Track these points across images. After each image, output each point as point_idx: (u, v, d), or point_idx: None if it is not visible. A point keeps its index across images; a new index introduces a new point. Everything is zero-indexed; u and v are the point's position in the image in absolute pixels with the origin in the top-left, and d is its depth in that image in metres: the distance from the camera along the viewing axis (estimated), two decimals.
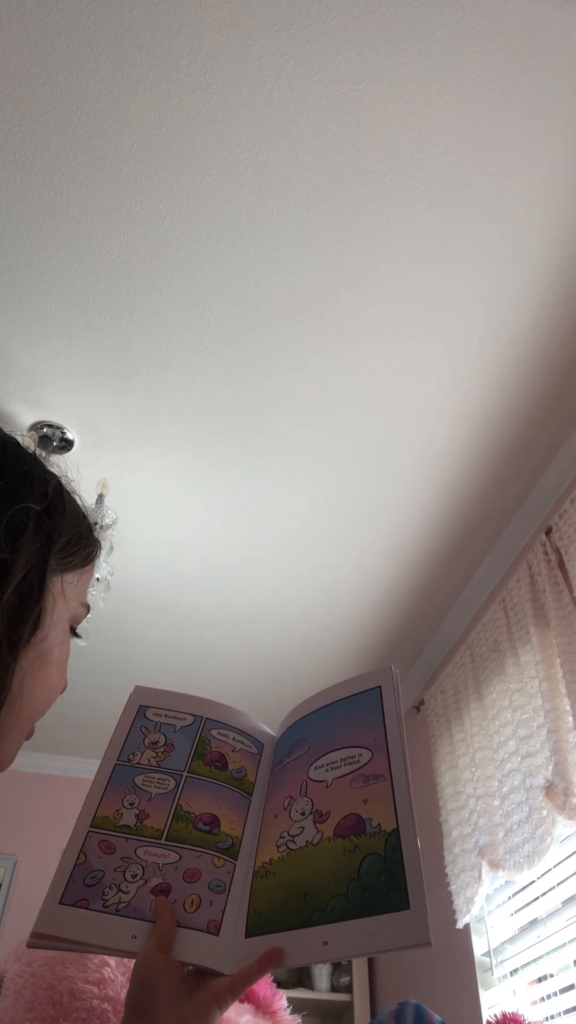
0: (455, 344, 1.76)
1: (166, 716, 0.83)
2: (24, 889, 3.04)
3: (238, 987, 0.62)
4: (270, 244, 1.57)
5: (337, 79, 1.34)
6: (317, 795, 0.71)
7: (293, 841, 0.69)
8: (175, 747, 0.80)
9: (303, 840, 0.68)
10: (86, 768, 3.37)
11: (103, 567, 1.94)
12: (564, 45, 1.30)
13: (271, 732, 0.86)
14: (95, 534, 0.70)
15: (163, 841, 0.71)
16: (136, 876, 0.67)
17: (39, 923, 0.63)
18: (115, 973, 0.84)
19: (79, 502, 0.69)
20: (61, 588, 0.62)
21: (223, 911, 0.66)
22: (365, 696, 0.78)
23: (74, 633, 0.67)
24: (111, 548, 2.01)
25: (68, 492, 0.67)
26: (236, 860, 0.71)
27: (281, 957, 0.61)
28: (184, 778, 0.76)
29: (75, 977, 0.83)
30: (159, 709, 0.84)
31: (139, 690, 0.86)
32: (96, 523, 0.70)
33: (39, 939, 0.63)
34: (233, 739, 0.83)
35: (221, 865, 0.70)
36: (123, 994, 0.83)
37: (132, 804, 0.74)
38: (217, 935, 0.64)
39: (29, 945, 0.63)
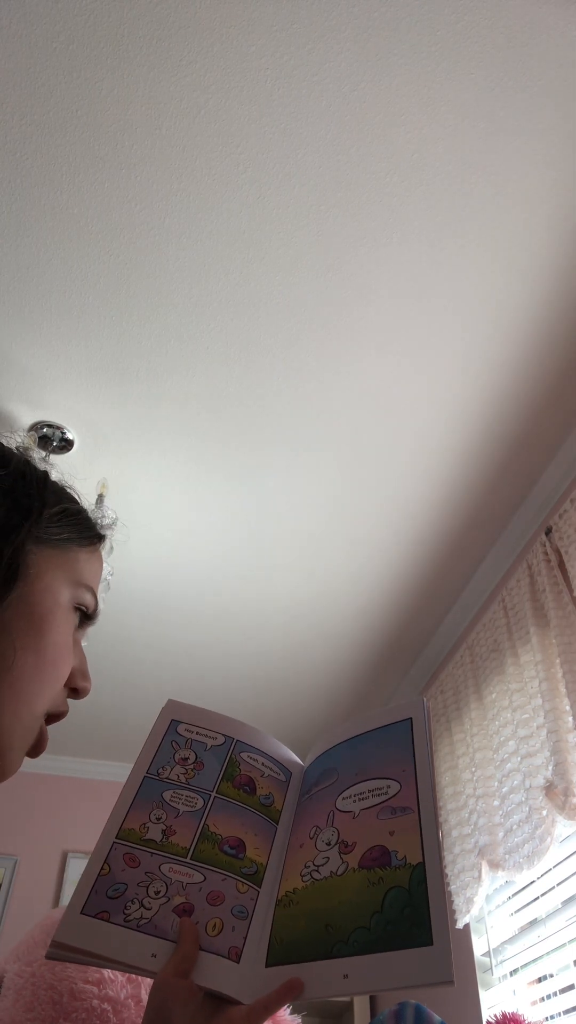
0: (455, 344, 1.76)
1: (197, 733, 0.82)
2: (24, 889, 3.04)
3: (255, 1017, 0.60)
4: (270, 244, 1.57)
5: (337, 79, 1.34)
6: (343, 825, 0.70)
7: (318, 871, 0.68)
8: (205, 766, 0.79)
9: (327, 870, 0.67)
10: (86, 768, 3.37)
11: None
12: (564, 45, 1.30)
13: (300, 761, 0.86)
14: (94, 521, 0.69)
15: (188, 860, 0.70)
16: (159, 893, 0.66)
17: (60, 932, 0.62)
18: (115, 973, 0.84)
19: (68, 489, 0.69)
20: (48, 561, 0.61)
21: (245, 938, 0.65)
22: (396, 727, 0.77)
23: (85, 615, 0.66)
24: (111, 548, 2.00)
25: (52, 479, 0.67)
26: (260, 887, 0.70)
27: (301, 989, 0.60)
28: (212, 798, 0.76)
29: (75, 977, 0.83)
30: (191, 725, 0.83)
31: (172, 704, 0.85)
32: (96, 521, 0.71)
33: (59, 949, 0.62)
34: (262, 764, 0.82)
35: (245, 891, 0.69)
36: (123, 994, 0.83)
37: (159, 819, 0.73)
38: (237, 962, 0.63)
39: (48, 956, 0.62)
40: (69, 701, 0.65)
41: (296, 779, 0.82)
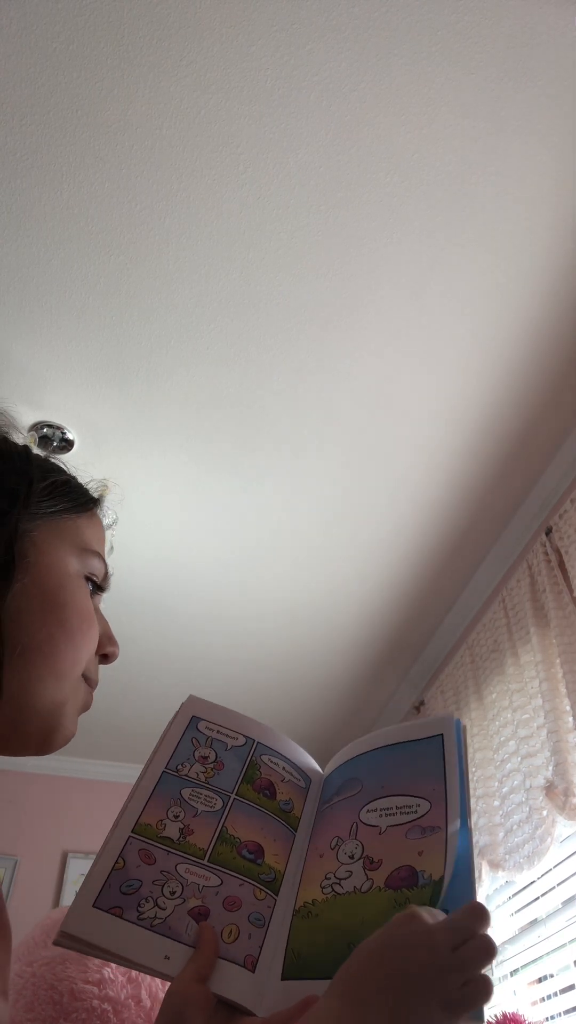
0: (455, 344, 1.76)
1: (218, 732, 0.80)
2: (24, 889, 3.04)
3: None
4: (270, 244, 1.57)
5: (337, 79, 1.34)
6: (368, 840, 0.69)
7: (340, 884, 0.66)
8: (225, 766, 0.77)
9: (351, 885, 0.66)
10: (86, 768, 3.36)
11: None
12: (565, 45, 1.30)
13: (319, 769, 0.84)
14: (85, 488, 0.69)
15: (206, 862, 0.68)
16: (174, 893, 0.65)
17: (68, 922, 0.61)
18: (115, 973, 0.84)
19: (51, 459, 0.69)
20: (47, 534, 0.62)
21: (260, 947, 0.64)
22: (426, 744, 0.75)
23: (97, 586, 0.66)
24: (111, 548, 2.00)
25: (35, 453, 0.67)
26: (277, 895, 0.68)
27: None
28: (232, 800, 0.74)
29: (75, 977, 0.83)
30: (212, 723, 0.81)
31: (192, 700, 0.83)
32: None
33: (67, 939, 0.61)
34: (283, 769, 0.80)
35: (263, 898, 0.67)
36: (123, 994, 0.83)
37: (177, 817, 0.70)
38: (253, 972, 0.62)
39: (55, 943, 0.61)
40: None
41: (316, 787, 0.80)
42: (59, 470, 0.68)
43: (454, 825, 0.65)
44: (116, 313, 1.70)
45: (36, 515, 0.61)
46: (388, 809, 0.70)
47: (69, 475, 0.69)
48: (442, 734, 0.74)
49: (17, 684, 0.56)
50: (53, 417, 1.93)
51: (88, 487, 0.71)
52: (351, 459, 2.05)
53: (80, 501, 0.67)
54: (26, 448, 0.66)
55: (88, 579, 0.65)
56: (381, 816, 0.70)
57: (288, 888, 0.69)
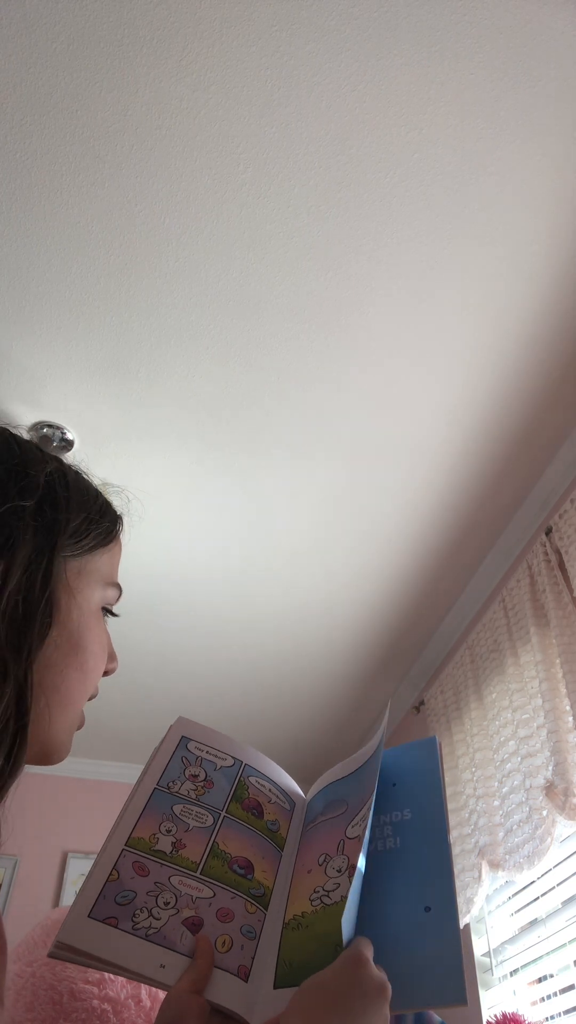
0: (455, 344, 1.76)
1: (207, 752, 0.83)
2: (24, 889, 3.04)
3: None
4: (270, 244, 1.57)
5: (337, 79, 1.34)
6: (354, 853, 0.71)
7: (328, 896, 0.68)
8: (215, 784, 0.79)
9: (338, 895, 0.68)
10: (86, 768, 3.36)
11: None
12: (564, 46, 1.30)
13: (302, 794, 0.87)
14: (112, 509, 0.68)
15: (198, 875, 0.69)
16: (168, 904, 0.66)
17: (64, 933, 0.62)
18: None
19: (88, 480, 0.67)
20: (77, 574, 0.61)
21: (253, 958, 0.65)
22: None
23: (109, 612, 0.66)
24: None
25: (73, 473, 0.65)
26: (266, 910, 0.70)
27: None
28: (222, 817, 0.76)
29: (75, 977, 0.83)
30: (201, 744, 0.83)
31: (182, 721, 0.86)
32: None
33: (63, 950, 0.61)
34: (269, 791, 0.82)
35: (254, 911, 0.69)
36: (123, 994, 0.83)
37: (169, 831, 0.72)
38: (246, 981, 0.63)
39: (51, 955, 0.62)
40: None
41: (300, 810, 0.83)
42: (88, 493, 0.66)
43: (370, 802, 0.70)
44: (116, 313, 1.70)
45: (68, 557, 0.60)
46: None
47: (96, 500, 0.66)
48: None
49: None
50: (53, 417, 1.92)
51: (111, 501, 0.69)
52: (351, 460, 2.05)
53: (106, 529, 0.66)
54: (63, 476, 0.63)
55: (103, 608, 0.66)
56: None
57: (277, 903, 0.71)
